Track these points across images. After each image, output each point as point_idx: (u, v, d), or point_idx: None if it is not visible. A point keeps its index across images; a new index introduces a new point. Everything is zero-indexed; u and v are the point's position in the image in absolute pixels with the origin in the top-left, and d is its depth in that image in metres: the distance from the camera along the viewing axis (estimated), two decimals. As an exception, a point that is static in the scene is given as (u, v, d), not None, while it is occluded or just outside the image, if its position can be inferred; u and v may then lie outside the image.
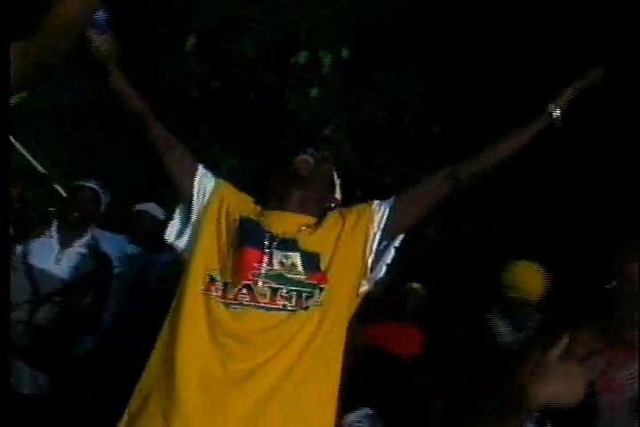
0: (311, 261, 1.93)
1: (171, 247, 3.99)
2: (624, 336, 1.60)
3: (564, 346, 1.46)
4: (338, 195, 2.21)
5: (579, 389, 1.43)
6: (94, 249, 3.54)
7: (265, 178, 2.25)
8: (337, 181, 2.22)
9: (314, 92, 5.13)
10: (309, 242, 1.96)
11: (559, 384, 1.41)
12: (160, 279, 3.87)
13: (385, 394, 2.65)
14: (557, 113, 2.07)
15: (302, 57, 5.02)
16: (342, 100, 5.25)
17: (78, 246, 3.51)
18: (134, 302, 3.71)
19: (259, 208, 2.09)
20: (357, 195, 4.71)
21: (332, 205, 2.16)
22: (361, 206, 2.08)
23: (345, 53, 4.99)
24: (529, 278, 3.38)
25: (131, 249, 3.94)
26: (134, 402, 1.87)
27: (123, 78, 2.13)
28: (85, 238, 3.55)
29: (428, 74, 5.24)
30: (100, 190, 3.71)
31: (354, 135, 5.19)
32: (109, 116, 4.84)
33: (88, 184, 3.69)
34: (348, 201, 2.19)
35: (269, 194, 2.13)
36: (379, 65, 5.22)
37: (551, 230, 5.02)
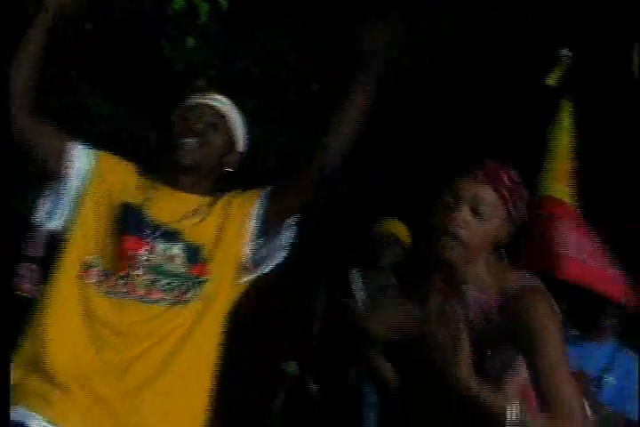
0: (193, 253, 1.90)
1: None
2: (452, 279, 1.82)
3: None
4: (240, 146, 2.11)
5: (408, 323, 1.81)
6: None
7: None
8: (238, 131, 2.11)
9: (189, 41, 4.97)
10: (193, 233, 1.93)
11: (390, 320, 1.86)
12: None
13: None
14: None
15: (178, 4, 4.82)
16: (218, 51, 5.11)
17: None
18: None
19: (147, 182, 2.01)
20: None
21: (229, 168, 2.08)
22: (248, 194, 2.06)
23: (223, 3, 4.81)
24: (401, 226, 4.04)
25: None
26: (16, 373, 1.80)
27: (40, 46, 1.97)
28: None
29: (308, 29, 5.15)
30: None
31: (229, 88, 5.08)
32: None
33: None
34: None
35: (160, 171, 2.05)
36: (258, 17, 5.09)
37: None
